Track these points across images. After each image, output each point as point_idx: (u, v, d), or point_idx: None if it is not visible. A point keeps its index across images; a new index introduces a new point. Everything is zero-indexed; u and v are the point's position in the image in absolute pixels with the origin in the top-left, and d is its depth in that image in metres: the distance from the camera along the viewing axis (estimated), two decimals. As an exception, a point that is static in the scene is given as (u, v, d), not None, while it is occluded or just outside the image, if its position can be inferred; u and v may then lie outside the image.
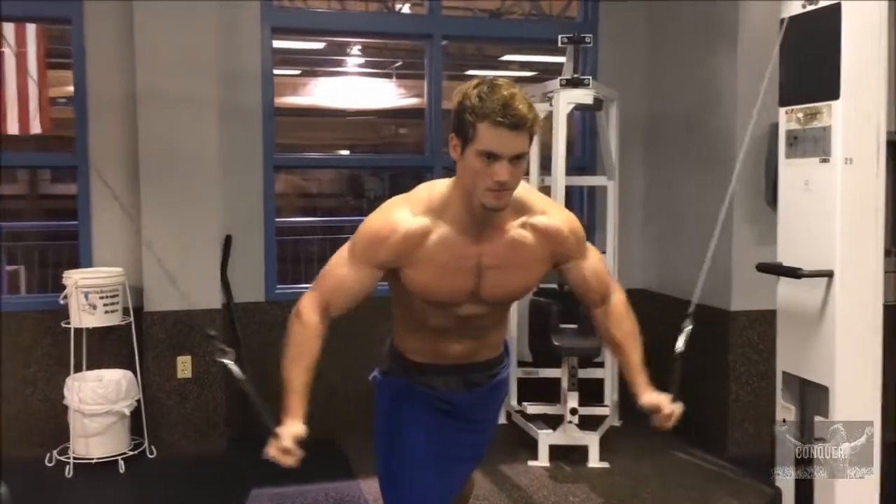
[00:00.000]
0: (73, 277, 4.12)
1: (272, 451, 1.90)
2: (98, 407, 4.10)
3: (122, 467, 4.12)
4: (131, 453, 4.22)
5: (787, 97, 2.98)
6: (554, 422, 4.37)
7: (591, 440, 4.23)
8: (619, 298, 2.23)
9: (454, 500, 2.41)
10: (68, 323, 4.15)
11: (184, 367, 4.40)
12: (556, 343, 4.07)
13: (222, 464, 4.32)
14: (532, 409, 4.44)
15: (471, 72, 7.95)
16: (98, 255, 4.45)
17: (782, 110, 3.01)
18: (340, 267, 2.04)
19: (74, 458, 4.11)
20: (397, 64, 9.08)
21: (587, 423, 4.39)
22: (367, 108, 8.88)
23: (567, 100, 3.93)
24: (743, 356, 4.41)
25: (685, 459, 4.39)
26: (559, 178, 3.94)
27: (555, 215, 2.07)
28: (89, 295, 4.10)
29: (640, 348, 2.21)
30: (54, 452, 4.19)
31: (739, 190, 4.21)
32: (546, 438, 4.26)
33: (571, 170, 5.15)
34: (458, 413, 2.28)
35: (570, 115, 4.19)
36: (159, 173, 4.27)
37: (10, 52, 4.42)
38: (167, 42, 4.23)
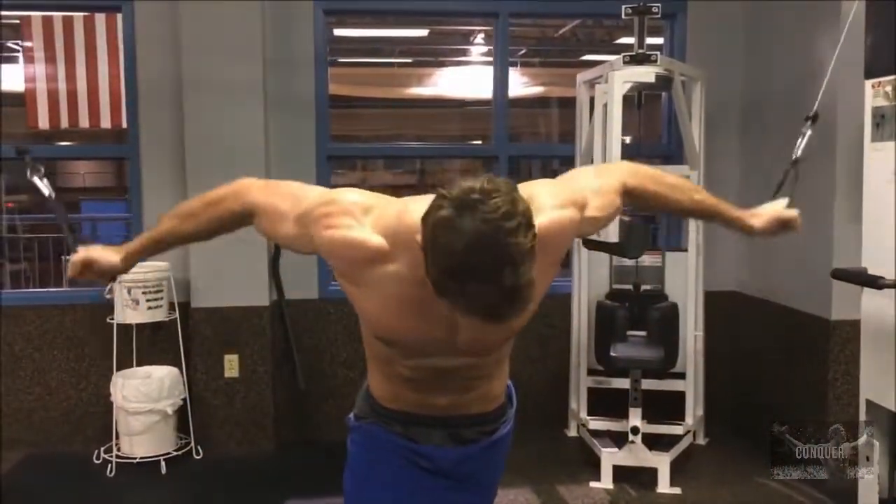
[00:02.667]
0: (116, 272, 4.03)
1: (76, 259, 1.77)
2: (140, 405, 4.00)
3: (163, 468, 4.01)
4: (176, 453, 4.11)
5: (874, 66, 2.44)
6: (623, 439, 3.93)
7: (661, 462, 3.76)
8: (629, 171, 1.81)
9: None
10: (113, 318, 4.07)
11: (231, 365, 4.25)
12: (612, 354, 3.63)
13: (266, 469, 4.13)
14: (595, 423, 4.01)
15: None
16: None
17: (868, 83, 2.47)
18: (291, 201, 1.65)
19: (117, 457, 4.03)
20: (521, 52, 8.81)
21: (662, 442, 3.93)
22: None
23: (622, 79, 3.47)
24: (844, 372, 3.81)
25: (773, 489, 3.85)
26: None
27: (544, 207, 1.58)
28: (132, 290, 4.00)
29: (702, 191, 1.92)
30: (101, 450, 4.12)
31: (843, 183, 3.64)
32: (609, 458, 3.83)
33: (654, 158, 4.69)
34: (445, 471, 1.83)
35: (653, 98, 3.72)
36: (206, 163, 4.12)
37: (80, 44, 4.43)
38: (212, 28, 4.08)
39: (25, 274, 7.41)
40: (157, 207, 4.27)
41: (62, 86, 4.40)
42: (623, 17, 3.66)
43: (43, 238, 7.29)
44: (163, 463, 4.02)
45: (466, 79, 8.49)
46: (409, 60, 10.04)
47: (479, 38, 8.12)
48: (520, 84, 8.64)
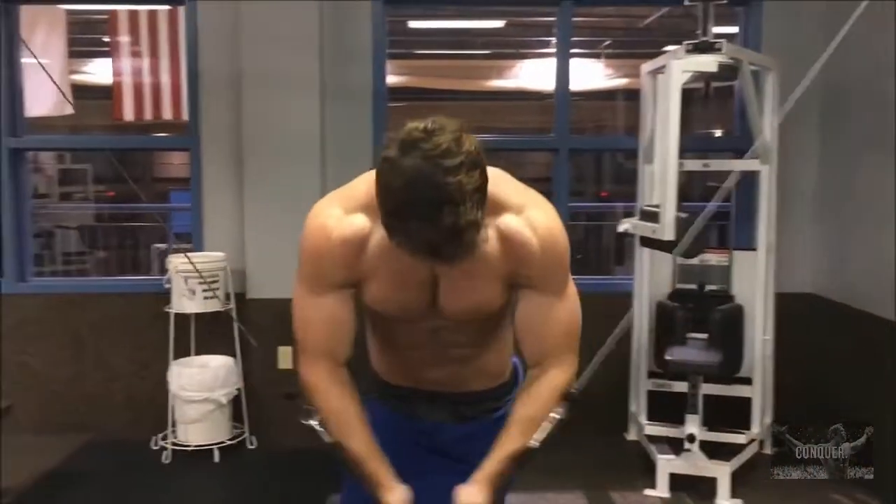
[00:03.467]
0: (174, 262, 4.09)
1: None
2: (196, 394, 4.05)
3: (216, 457, 4.05)
4: (230, 442, 4.14)
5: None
6: (682, 446, 3.75)
7: (721, 472, 3.58)
8: (557, 380, 1.67)
9: None
10: (170, 308, 4.12)
11: (285, 357, 4.25)
12: (667, 357, 3.46)
13: (318, 462, 4.10)
14: (652, 429, 3.84)
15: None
16: (210, 239, 4.41)
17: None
18: (308, 307, 1.67)
19: (173, 444, 4.09)
20: (606, 43, 8.62)
21: (725, 451, 3.74)
22: (576, 90, 8.43)
23: (682, 68, 3.28)
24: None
25: (843, 504, 3.62)
26: (670, 162, 3.28)
27: (532, 221, 1.58)
28: (188, 280, 4.04)
29: (523, 444, 1.65)
30: (158, 436, 4.19)
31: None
32: (666, 465, 3.66)
33: (726, 152, 4.48)
34: (444, 449, 1.84)
35: (724, 89, 3.53)
36: (263, 155, 4.15)
37: (144, 38, 4.52)
38: (271, 20, 4.08)
39: (107, 261, 7.66)
40: (216, 198, 4.35)
41: (133, 79, 4.50)
42: (686, 3, 3.48)
43: (128, 227, 7.54)
44: (216, 451, 4.06)
45: (548, 70, 8.37)
46: (488, 52, 9.96)
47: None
48: (604, 75, 8.47)
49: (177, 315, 4.13)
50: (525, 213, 1.58)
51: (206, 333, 4.27)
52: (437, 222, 1.30)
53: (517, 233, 1.56)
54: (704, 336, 3.64)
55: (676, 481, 3.68)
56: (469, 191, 1.32)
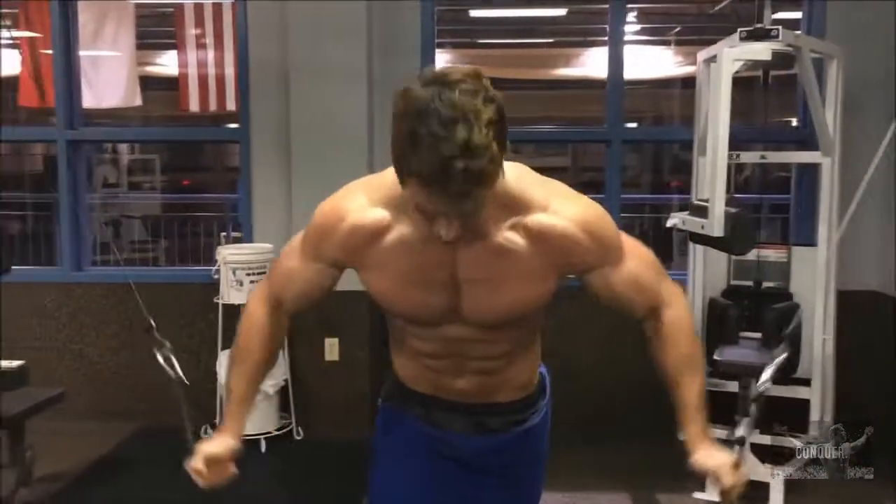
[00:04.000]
0: (223, 253, 4.12)
1: (197, 463, 1.65)
2: (242, 384, 4.07)
3: (263, 447, 4.08)
4: (277, 433, 4.17)
5: None
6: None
7: (775, 477, 3.44)
8: (675, 312, 1.65)
9: None
10: (219, 298, 4.16)
11: (331, 349, 4.26)
12: (714, 357, 3.33)
13: (360, 455, 4.10)
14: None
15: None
16: (259, 230, 4.44)
17: None
18: (290, 259, 1.67)
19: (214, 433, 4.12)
20: (676, 30, 8.39)
21: (781, 455, 3.59)
22: (643, 78, 8.23)
23: (733, 56, 3.13)
24: None
25: (906, 515, 3.44)
26: (719, 154, 3.14)
27: (561, 212, 1.51)
28: (236, 271, 4.07)
29: (700, 382, 1.63)
30: (207, 425, 4.23)
31: None
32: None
33: (785, 144, 4.30)
34: (467, 461, 1.77)
35: (789, 77, 3.38)
36: (311, 147, 4.14)
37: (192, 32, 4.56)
38: (319, 12, 4.06)
39: (169, 250, 7.81)
40: (266, 189, 4.36)
41: (198, 71, 4.54)
42: (740, -13, 3.33)
43: (190, 216, 7.66)
44: (263, 441, 4.09)
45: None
46: (551, 40, 9.80)
47: (631, 16, 7.78)
48: (673, 63, 8.25)
49: (226, 305, 4.16)
50: (553, 207, 1.52)
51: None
52: (451, 136, 1.25)
53: (553, 227, 1.50)
54: (758, 335, 3.49)
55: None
56: (485, 117, 1.28)
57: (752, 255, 3.92)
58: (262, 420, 4.14)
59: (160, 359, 1.81)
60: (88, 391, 4.52)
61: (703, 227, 3.05)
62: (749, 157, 3.89)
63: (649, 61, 8.06)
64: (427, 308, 1.59)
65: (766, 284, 3.89)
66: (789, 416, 3.80)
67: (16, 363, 3.32)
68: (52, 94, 4.53)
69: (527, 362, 1.75)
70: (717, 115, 3.05)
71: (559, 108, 9.98)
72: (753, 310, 3.65)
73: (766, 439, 3.58)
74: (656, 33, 8.23)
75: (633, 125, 8.07)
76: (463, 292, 1.55)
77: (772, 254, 3.93)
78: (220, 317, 4.15)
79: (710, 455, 1.56)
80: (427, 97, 1.28)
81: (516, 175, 1.53)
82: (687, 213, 3.32)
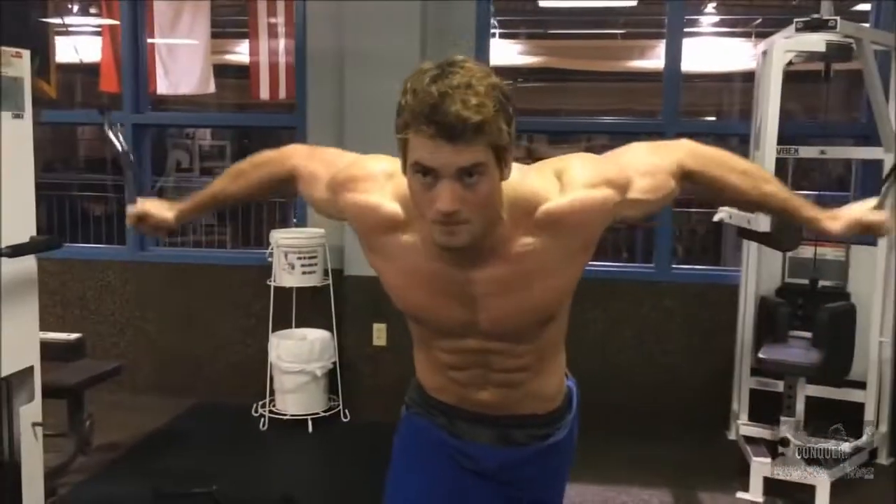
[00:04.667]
0: (276, 237, 4.22)
1: (133, 209, 1.82)
2: (292, 365, 4.17)
3: (310, 427, 4.17)
4: (324, 414, 4.25)
5: None
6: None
7: (820, 480, 3.35)
8: (699, 153, 1.59)
9: None
10: (272, 281, 4.26)
11: (379, 334, 4.32)
12: (760, 355, 3.26)
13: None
14: (747, 429, 3.65)
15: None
16: (313, 215, 4.52)
17: None
18: (326, 167, 1.65)
19: (270, 412, 4.24)
20: (757, 21, 8.17)
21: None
22: (723, 71, 8.02)
23: (785, 48, 3.05)
24: None
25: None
26: (767, 148, 3.07)
27: (567, 193, 1.44)
28: (288, 255, 4.16)
29: (778, 183, 1.64)
30: (258, 404, 4.35)
31: None
32: (760, 468, 3.46)
33: (847, 139, 4.17)
34: (490, 475, 1.72)
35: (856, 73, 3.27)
36: (364, 134, 4.17)
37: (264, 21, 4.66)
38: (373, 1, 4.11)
39: (233, 235, 8.00)
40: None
41: (270, 60, 4.63)
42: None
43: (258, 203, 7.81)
44: (310, 422, 4.18)
45: (694, 50, 7.93)
46: (622, 31, 9.65)
47: (710, 6, 7.61)
48: (750, 56, 8.03)
49: (279, 288, 4.26)
50: (553, 191, 1.46)
51: (306, 307, 4.39)
52: (450, 77, 1.28)
53: (557, 212, 1.44)
54: (809, 335, 3.40)
55: (774, 487, 3.48)
56: (487, 81, 1.31)
57: (808, 252, 3.83)
58: (310, 402, 4.23)
59: (109, 133, 2.00)
60: (148, 367, 4.69)
61: (749, 222, 2.99)
62: (808, 151, 3.79)
63: (729, 53, 7.86)
64: (444, 315, 1.54)
65: (822, 283, 3.80)
66: (844, 419, 3.70)
67: (73, 335, 3.47)
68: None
69: (551, 374, 1.69)
70: (767, 108, 2.98)
71: (634, 100, 9.82)
72: (808, 309, 3.55)
73: (818, 443, 3.48)
74: (738, 25, 8.01)
75: (711, 119, 7.91)
76: (479, 306, 1.50)
77: (829, 252, 3.83)
78: (271, 299, 4.25)
79: (840, 214, 1.61)
80: (432, 64, 1.33)
81: (521, 176, 1.48)
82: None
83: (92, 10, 5.57)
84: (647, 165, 1.54)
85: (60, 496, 3.41)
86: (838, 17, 3.14)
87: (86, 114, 5.90)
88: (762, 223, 2.91)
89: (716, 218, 3.41)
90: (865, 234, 1.64)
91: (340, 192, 1.58)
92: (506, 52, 9.32)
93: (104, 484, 3.61)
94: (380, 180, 1.54)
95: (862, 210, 1.61)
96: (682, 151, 1.59)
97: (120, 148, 1.99)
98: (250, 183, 1.79)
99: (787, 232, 2.82)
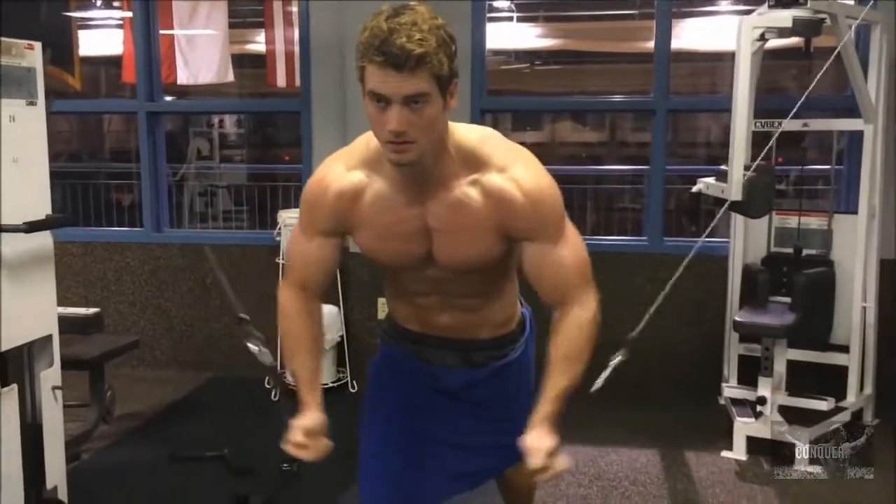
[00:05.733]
0: (283, 217, 4.42)
1: (292, 443, 1.76)
2: (301, 338, 4.38)
3: (318, 397, 4.37)
4: (332, 385, 4.46)
5: None
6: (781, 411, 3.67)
7: (800, 437, 3.50)
8: (581, 314, 1.74)
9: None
10: (280, 259, 4.47)
11: (383, 308, 4.51)
12: (735, 318, 3.41)
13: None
14: (732, 391, 3.80)
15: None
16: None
17: None
18: (298, 243, 1.85)
19: (282, 385, 4.46)
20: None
21: (811, 419, 3.65)
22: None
23: (753, 24, 3.18)
24: None
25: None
26: (738, 121, 3.21)
27: (515, 177, 1.66)
28: (295, 233, 4.36)
29: (568, 381, 1.72)
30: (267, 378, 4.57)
31: None
32: (743, 428, 3.63)
33: (837, 111, 4.27)
34: (453, 392, 1.98)
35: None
36: (364, 118, 4.36)
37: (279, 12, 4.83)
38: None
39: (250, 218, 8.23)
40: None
41: (286, 48, 4.81)
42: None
43: (270, 186, 8.04)
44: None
45: (712, 29, 7.92)
46: (634, 12, 9.70)
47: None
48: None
49: (284, 266, 4.46)
50: (509, 172, 1.66)
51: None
52: (399, 17, 1.48)
53: (500, 189, 1.65)
54: (787, 301, 3.55)
55: (759, 446, 3.64)
56: (433, 22, 1.50)
57: (793, 222, 3.97)
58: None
59: (252, 348, 2.03)
60: (166, 342, 4.93)
61: (722, 192, 3.13)
62: (791, 125, 3.90)
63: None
64: (406, 256, 1.76)
65: (807, 252, 3.93)
66: (828, 382, 3.85)
67: (91, 310, 3.70)
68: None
69: (502, 302, 1.92)
70: (736, 86, 3.12)
71: (650, 82, 9.85)
72: (791, 276, 3.69)
73: (796, 401, 3.64)
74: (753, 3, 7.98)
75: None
76: (434, 240, 1.72)
77: (813, 221, 3.96)
78: (279, 276, 4.44)
79: (538, 437, 1.65)
80: (388, 6, 1.51)
81: (481, 135, 1.72)
82: (713, 178, 3.41)
83: (115, 4, 5.80)
84: (574, 261, 1.74)
85: (83, 461, 3.65)
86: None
87: (110, 103, 6.16)
88: (733, 192, 3.06)
89: (694, 189, 3.56)
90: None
91: (317, 225, 1.78)
92: (524, 35, 9.42)
93: (124, 450, 3.85)
94: (326, 185, 1.74)
95: (539, 449, 1.63)
96: (588, 301, 1.76)
97: (265, 360, 2.04)
98: (306, 337, 1.87)
99: (757, 200, 2.96)
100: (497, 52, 10.17)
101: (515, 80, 9.92)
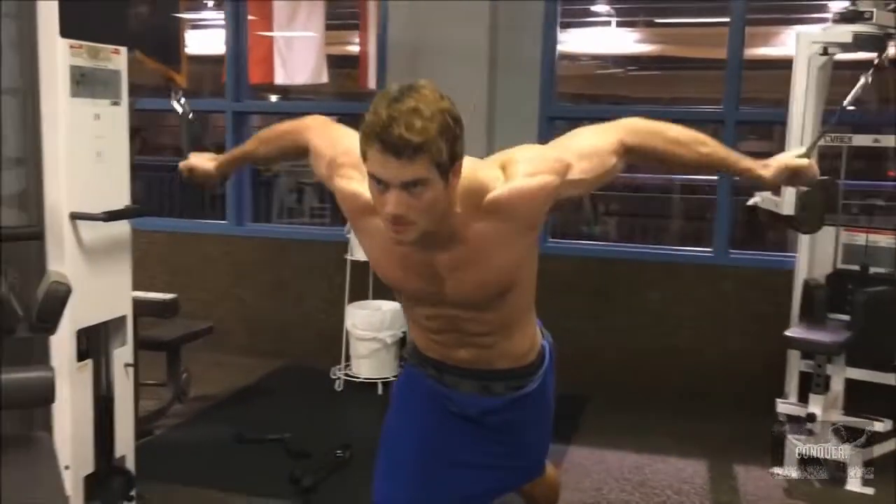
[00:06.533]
0: (353, 214, 4.60)
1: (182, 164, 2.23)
2: (366, 333, 4.56)
3: (380, 389, 4.54)
4: (393, 378, 4.61)
5: None
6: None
7: (853, 457, 3.45)
8: (638, 127, 1.80)
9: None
10: (349, 255, 4.66)
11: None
12: (786, 333, 3.38)
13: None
14: (786, 407, 3.76)
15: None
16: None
17: None
18: (331, 146, 1.86)
19: (346, 375, 4.65)
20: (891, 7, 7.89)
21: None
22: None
23: (810, 39, 3.15)
24: None
25: None
26: (793, 134, 3.19)
27: (512, 180, 1.65)
28: (364, 231, 4.53)
29: (716, 142, 1.82)
30: (336, 367, 4.76)
31: None
32: (794, 444, 3.59)
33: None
34: (472, 418, 2.01)
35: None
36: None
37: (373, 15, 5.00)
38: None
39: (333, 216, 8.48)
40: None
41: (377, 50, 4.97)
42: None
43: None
44: (380, 385, 4.55)
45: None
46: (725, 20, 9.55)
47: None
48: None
49: (356, 262, 4.64)
50: (499, 180, 1.66)
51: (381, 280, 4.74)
52: (401, 103, 1.47)
53: (498, 201, 1.63)
54: (845, 318, 3.50)
55: (811, 464, 3.59)
56: (436, 106, 1.49)
57: (861, 239, 3.91)
58: (380, 366, 4.61)
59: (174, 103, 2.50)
60: (242, 330, 5.19)
61: (776, 206, 3.13)
62: (861, 139, 3.85)
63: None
64: (415, 288, 1.77)
65: (874, 270, 3.86)
66: (891, 403, 3.77)
67: (169, 296, 3.94)
68: (255, 72, 5.09)
69: (521, 335, 1.92)
70: (792, 100, 3.10)
71: (744, 89, 9.68)
72: (838, 292, 3.65)
73: (852, 421, 3.57)
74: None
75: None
76: (444, 280, 1.71)
77: (881, 239, 3.89)
78: (348, 272, 4.64)
79: (771, 162, 1.80)
80: (396, 87, 1.52)
81: (472, 169, 1.65)
82: (769, 192, 3.39)
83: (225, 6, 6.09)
84: (587, 148, 1.75)
85: (156, 436, 3.92)
86: (874, 9, 3.22)
87: (200, 102, 6.47)
88: (786, 206, 3.05)
89: (749, 202, 3.55)
90: (793, 179, 1.82)
91: (332, 176, 1.80)
92: (622, 40, 9.39)
93: (194, 428, 4.10)
94: (363, 168, 1.65)
95: (790, 157, 1.80)
96: (622, 129, 1.79)
97: (180, 110, 2.51)
98: (272, 148, 2.12)
99: (810, 216, 2.95)
100: (595, 57, 10.20)
101: (610, 86, 9.88)
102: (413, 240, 1.60)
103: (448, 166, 1.53)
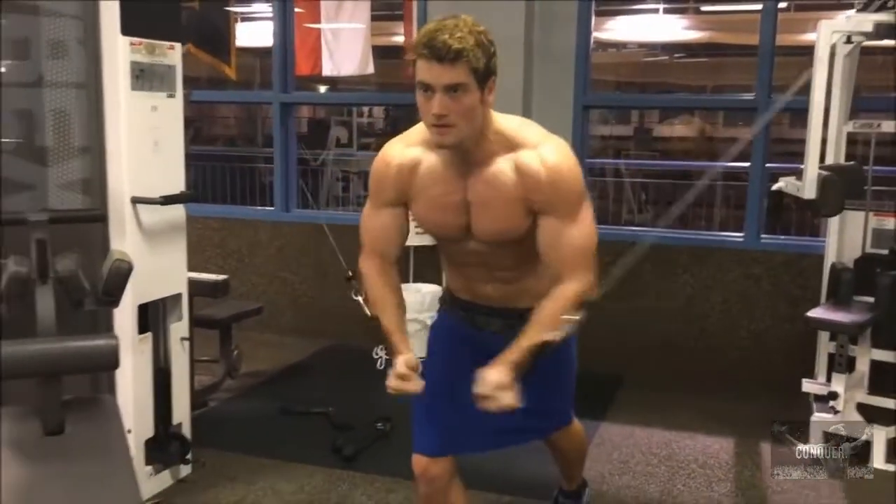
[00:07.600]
0: (396, 201, 4.79)
1: (392, 381, 1.99)
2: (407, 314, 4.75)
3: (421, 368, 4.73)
4: (433, 358, 4.81)
5: None
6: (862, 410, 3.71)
7: (876, 435, 3.54)
8: (570, 289, 1.98)
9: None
10: (394, 240, 4.85)
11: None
12: (807, 314, 3.48)
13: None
14: (811, 386, 3.86)
15: None
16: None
17: None
18: (369, 217, 2.16)
19: (387, 355, 4.83)
20: None
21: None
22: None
23: (832, 28, 3.23)
24: None
25: None
26: (813, 122, 3.27)
27: (542, 155, 1.95)
28: (405, 217, 4.72)
29: (538, 338, 1.95)
30: (378, 347, 4.95)
31: None
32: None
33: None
34: (497, 354, 2.18)
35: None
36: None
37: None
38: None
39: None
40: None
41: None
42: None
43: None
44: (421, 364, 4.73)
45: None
46: (784, 5, 9.49)
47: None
48: None
49: (407, 247, 4.82)
50: (538, 150, 1.96)
51: (422, 263, 4.94)
52: (443, 22, 1.83)
53: (527, 165, 1.95)
54: (870, 300, 3.58)
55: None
56: (475, 28, 1.84)
57: (890, 224, 3.97)
58: (420, 346, 4.72)
59: (356, 298, 2.41)
60: (290, 311, 5.43)
61: (798, 190, 3.23)
62: (890, 126, 3.91)
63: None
64: (449, 228, 2.07)
65: (906, 253, 3.92)
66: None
67: (220, 277, 4.18)
68: (303, 63, 5.28)
69: (538, 275, 2.14)
70: (814, 84, 3.19)
71: (784, 75, 9.62)
72: (864, 274, 3.72)
73: (877, 400, 3.66)
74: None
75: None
76: (472, 213, 2.02)
77: (912, 223, 3.95)
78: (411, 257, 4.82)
79: (494, 371, 1.89)
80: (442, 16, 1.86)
81: (520, 122, 2.03)
82: (794, 177, 3.49)
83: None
84: (581, 242, 2.00)
85: (210, 408, 4.17)
86: (900, -3, 3.28)
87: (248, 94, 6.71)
88: (807, 190, 3.15)
89: (774, 187, 3.64)
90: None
91: (383, 198, 2.10)
92: (671, 27, 9.42)
93: (245, 401, 4.35)
94: (389, 161, 2.08)
95: (491, 381, 1.88)
96: (581, 281, 1.99)
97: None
98: (389, 297, 2.14)
99: (829, 199, 3.05)
100: (642, 45, 10.22)
101: (657, 73, 9.91)
102: (453, 143, 1.88)
103: (484, 77, 1.84)
